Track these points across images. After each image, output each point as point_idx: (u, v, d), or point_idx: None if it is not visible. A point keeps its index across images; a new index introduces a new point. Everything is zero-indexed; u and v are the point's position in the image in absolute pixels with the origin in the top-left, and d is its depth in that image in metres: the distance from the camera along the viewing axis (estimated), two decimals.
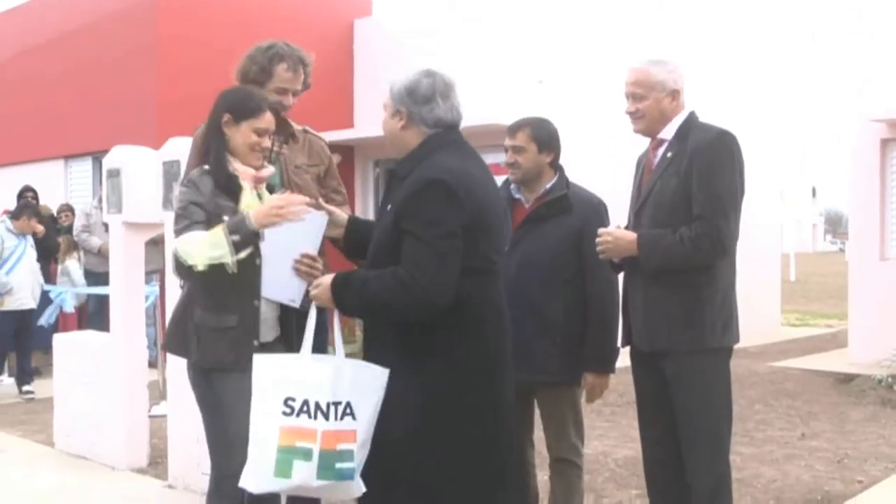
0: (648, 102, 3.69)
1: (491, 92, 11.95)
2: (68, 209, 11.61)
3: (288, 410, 3.15)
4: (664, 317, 3.63)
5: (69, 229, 11.00)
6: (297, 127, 4.24)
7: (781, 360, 11.34)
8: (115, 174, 6.10)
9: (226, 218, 3.39)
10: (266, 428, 3.17)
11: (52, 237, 10.49)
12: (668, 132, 3.70)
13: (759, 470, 6.11)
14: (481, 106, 11.32)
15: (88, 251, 10.65)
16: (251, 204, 3.44)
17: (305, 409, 3.14)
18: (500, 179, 3.89)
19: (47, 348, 9.08)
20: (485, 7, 12.65)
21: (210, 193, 3.46)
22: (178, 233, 3.45)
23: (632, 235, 3.62)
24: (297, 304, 3.53)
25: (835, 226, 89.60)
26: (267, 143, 3.60)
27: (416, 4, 14.35)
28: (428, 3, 14.01)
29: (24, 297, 9.19)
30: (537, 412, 4.34)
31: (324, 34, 13.23)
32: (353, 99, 13.40)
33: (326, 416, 3.14)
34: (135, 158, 6.07)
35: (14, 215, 9.46)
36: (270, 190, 3.69)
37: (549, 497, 4.37)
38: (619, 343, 4.06)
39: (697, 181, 3.52)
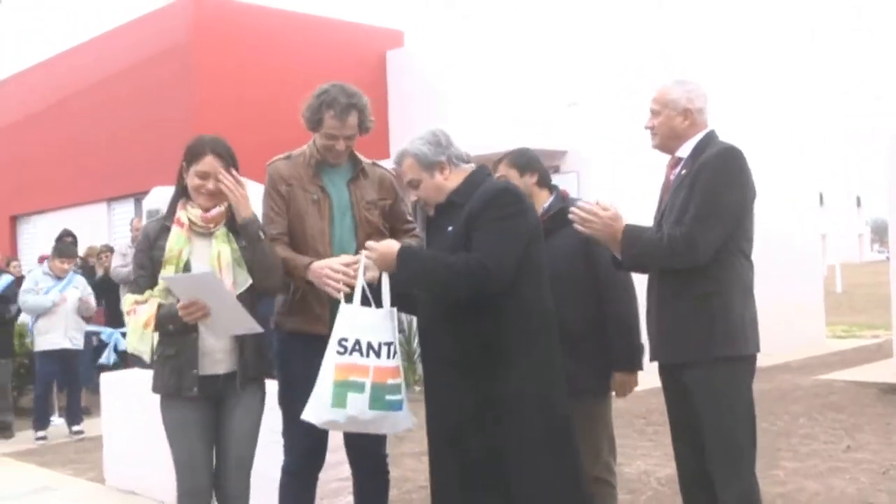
0: (661, 119, 3.79)
1: (523, 117, 12.06)
2: (108, 250, 11.84)
3: (341, 350, 3.54)
4: (677, 328, 3.68)
5: (106, 270, 11.20)
6: (366, 161, 4.29)
7: (826, 373, 11.21)
8: (155, 214, 6.26)
9: (162, 274, 3.80)
10: (325, 367, 3.55)
11: (85, 278, 10.69)
12: (684, 150, 3.76)
13: (804, 484, 6.08)
14: (514, 131, 11.43)
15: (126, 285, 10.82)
16: (172, 248, 3.82)
17: (357, 348, 3.54)
18: None
19: (95, 387, 9.27)
20: (514, 34, 12.78)
21: (154, 238, 3.91)
22: (129, 288, 3.97)
23: (620, 224, 3.66)
24: (259, 329, 3.83)
25: (882, 235, 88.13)
26: (210, 185, 3.84)
27: (447, 35, 14.54)
28: (458, 34, 14.18)
29: (56, 337, 9.27)
30: None
31: (357, 66, 13.44)
32: (388, 129, 13.56)
33: (378, 355, 3.54)
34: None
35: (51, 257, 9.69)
36: (234, 227, 3.92)
37: None
38: (642, 340, 4.17)
39: (695, 191, 3.57)
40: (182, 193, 3.95)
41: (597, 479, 4.25)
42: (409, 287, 3.67)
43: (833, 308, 21.09)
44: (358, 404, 3.49)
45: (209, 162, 3.83)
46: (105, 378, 7.22)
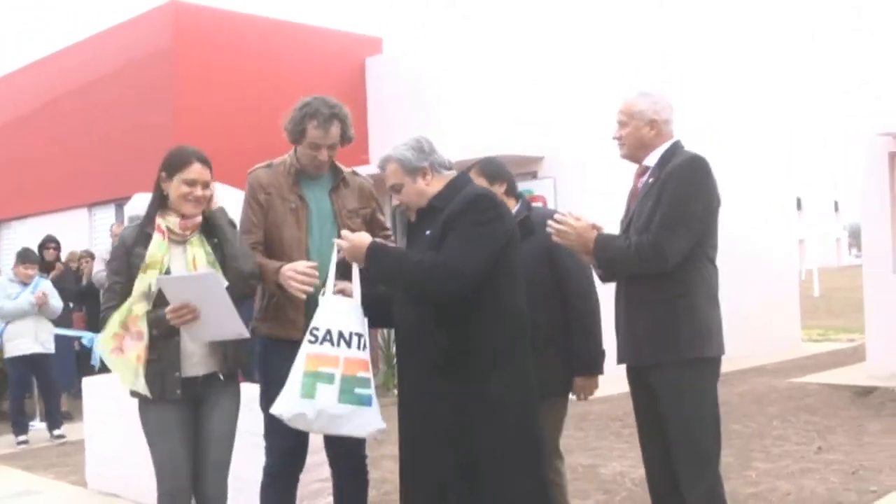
0: (629, 130, 3.92)
1: (502, 123, 12.18)
2: (88, 255, 11.87)
3: (312, 339, 3.60)
4: (643, 330, 3.79)
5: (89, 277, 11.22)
6: (346, 170, 4.39)
7: (801, 376, 11.38)
8: (136, 220, 6.32)
9: (140, 265, 3.87)
10: (298, 357, 3.61)
11: (68, 283, 10.68)
12: (651, 160, 3.88)
13: (775, 484, 6.21)
14: (493, 137, 11.55)
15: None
16: (154, 254, 3.90)
17: (328, 337, 3.59)
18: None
19: (77, 392, 9.31)
20: (492, 41, 12.88)
21: (132, 244, 3.96)
22: (102, 310, 3.97)
23: (592, 234, 3.79)
24: (247, 335, 3.95)
25: (859, 239, 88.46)
26: (198, 191, 3.96)
27: (426, 42, 14.64)
28: (437, 41, 14.29)
29: (25, 343, 9.30)
30: None
31: (336, 73, 13.54)
32: (368, 136, 13.64)
33: (349, 345, 3.58)
34: None
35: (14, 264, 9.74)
36: (210, 231, 4.06)
37: None
38: (603, 346, 4.32)
39: (663, 199, 3.69)
40: (160, 202, 4.02)
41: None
42: (378, 281, 3.78)
43: (810, 312, 21.31)
44: (327, 396, 3.52)
45: (197, 169, 3.94)
46: (87, 382, 7.27)
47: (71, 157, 14.52)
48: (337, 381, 3.53)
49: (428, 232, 3.66)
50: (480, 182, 4.31)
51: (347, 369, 3.56)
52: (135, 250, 3.92)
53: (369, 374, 3.61)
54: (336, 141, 4.19)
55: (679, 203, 3.68)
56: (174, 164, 3.96)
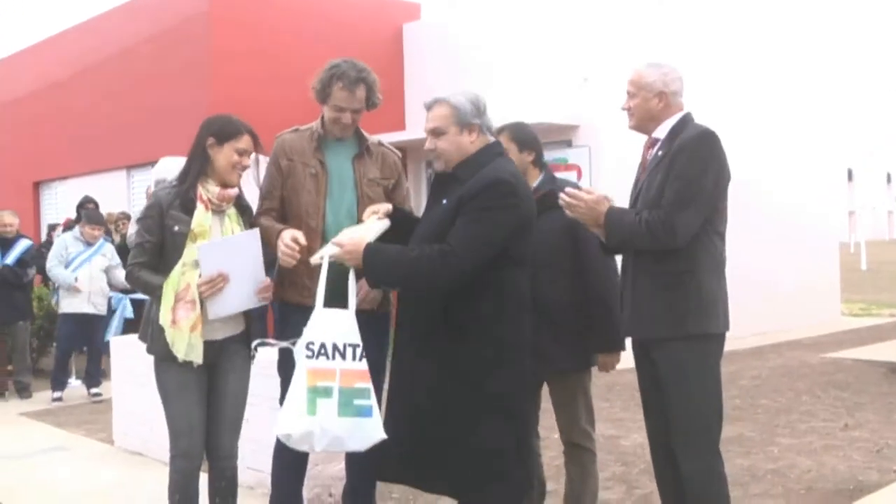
0: (637, 101, 3.85)
1: (538, 91, 12.08)
2: (125, 217, 12.01)
3: (309, 353, 3.53)
4: (649, 304, 3.74)
5: (123, 237, 11.36)
6: (371, 140, 4.39)
7: (836, 351, 11.25)
8: (162, 183, 6.36)
9: (176, 228, 3.90)
10: (297, 372, 3.54)
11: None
12: (661, 132, 3.83)
13: (796, 460, 6.15)
14: (529, 104, 11.46)
15: None
16: (202, 223, 3.91)
17: (323, 351, 3.52)
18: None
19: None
20: (530, 7, 12.75)
21: (167, 206, 3.95)
22: (129, 266, 4.00)
23: (603, 208, 3.74)
24: (269, 301, 3.99)
25: None
26: (246, 161, 4.01)
27: (464, 7, 14.51)
28: (475, 6, 14.17)
29: (79, 302, 9.48)
30: (543, 403, 4.53)
31: (373, 39, 13.49)
32: (404, 102, 13.61)
33: (343, 356, 3.52)
34: (180, 167, 6.33)
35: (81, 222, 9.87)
36: (241, 208, 4.14)
37: (565, 481, 4.54)
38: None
39: (672, 174, 3.64)
40: (202, 169, 4.00)
41: (576, 445, 4.39)
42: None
43: (855, 285, 21.03)
44: (327, 411, 3.45)
45: (248, 140, 4.00)
46: (114, 342, 7.40)
47: (110, 121, 14.65)
48: (335, 394, 3.47)
49: (444, 201, 3.67)
50: (511, 147, 4.24)
51: (345, 381, 3.49)
52: (170, 212, 3.93)
53: (368, 385, 3.54)
54: (361, 105, 4.21)
55: (690, 179, 3.62)
56: (227, 132, 3.98)
